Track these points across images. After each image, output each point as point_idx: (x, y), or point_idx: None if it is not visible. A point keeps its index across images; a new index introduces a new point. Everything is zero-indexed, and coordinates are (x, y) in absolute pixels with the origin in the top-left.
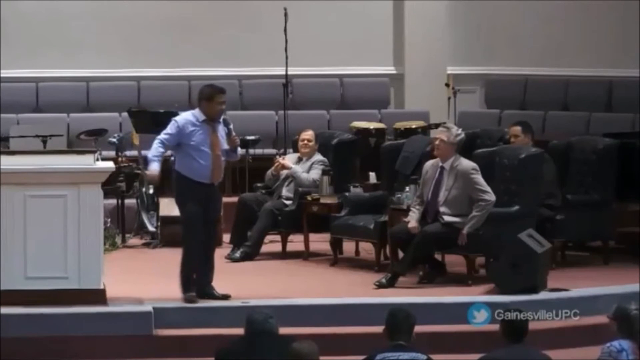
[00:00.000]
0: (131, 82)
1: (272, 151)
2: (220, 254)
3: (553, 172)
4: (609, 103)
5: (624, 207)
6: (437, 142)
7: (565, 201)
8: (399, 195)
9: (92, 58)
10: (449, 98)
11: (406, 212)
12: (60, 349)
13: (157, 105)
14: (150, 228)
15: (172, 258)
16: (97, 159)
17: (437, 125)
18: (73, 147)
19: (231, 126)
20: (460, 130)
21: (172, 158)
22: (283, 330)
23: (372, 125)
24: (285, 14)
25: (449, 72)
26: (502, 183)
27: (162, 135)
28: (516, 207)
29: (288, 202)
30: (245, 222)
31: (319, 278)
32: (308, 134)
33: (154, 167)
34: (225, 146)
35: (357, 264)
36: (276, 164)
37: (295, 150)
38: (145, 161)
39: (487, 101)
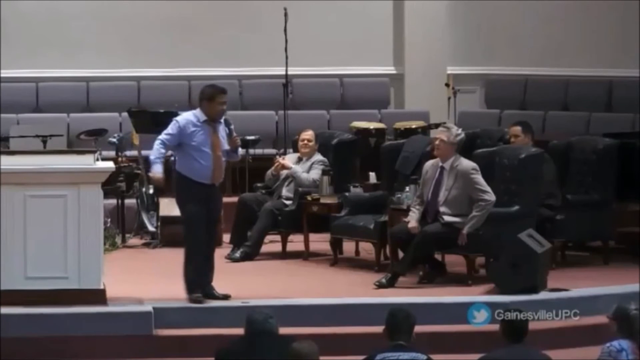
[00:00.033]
0: (131, 82)
1: (272, 151)
2: (220, 254)
3: (553, 172)
4: (609, 103)
5: (624, 207)
6: (437, 142)
7: (565, 201)
8: (399, 195)
9: (92, 58)
10: (449, 98)
11: (406, 212)
12: (60, 349)
13: (157, 105)
14: (150, 228)
15: (172, 258)
16: (97, 159)
17: (437, 125)
18: (73, 147)
19: (232, 126)
20: (460, 130)
21: (173, 158)
22: (283, 330)
23: (372, 125)
24: (285, 14)
25: (449, 72)
26: (502, 183)
27: (163, 136)
28: (516, 207)
29: (288, 202)
30: (245, 222)
31: (319, 278)
32: (308, 134)
33: (158, 170)
34: (226, 146)
35: (357, 264)
36: (276, 164)
37: (295, 150)
38: (147, 163)
39: (487, 101)
